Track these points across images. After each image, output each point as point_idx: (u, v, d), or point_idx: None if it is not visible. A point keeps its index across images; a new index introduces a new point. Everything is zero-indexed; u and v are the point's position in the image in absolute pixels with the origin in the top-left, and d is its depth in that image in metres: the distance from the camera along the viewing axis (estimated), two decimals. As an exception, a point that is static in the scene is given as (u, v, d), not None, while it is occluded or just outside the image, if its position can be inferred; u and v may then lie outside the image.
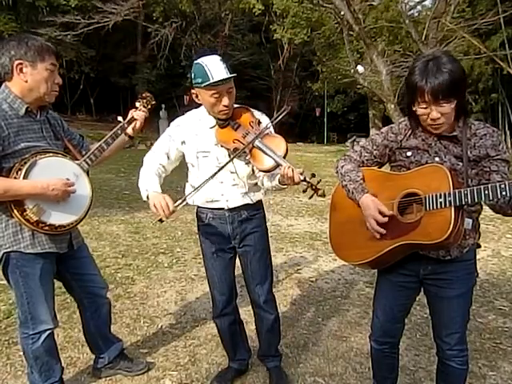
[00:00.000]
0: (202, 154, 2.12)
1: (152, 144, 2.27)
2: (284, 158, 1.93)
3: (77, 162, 2.08)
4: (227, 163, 2.03)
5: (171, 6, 21.69)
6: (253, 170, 2.14)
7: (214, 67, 1.93)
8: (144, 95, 2.43)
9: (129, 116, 2.32)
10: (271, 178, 2.05)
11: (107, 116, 23.12)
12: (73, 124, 18.96)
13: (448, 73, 1.57)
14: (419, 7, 18.56)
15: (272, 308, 2.34)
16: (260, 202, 2.27)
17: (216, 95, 1.97)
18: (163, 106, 22.04)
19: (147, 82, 23.28)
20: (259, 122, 2.08)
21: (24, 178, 1.84)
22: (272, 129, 2.09)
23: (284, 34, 20.43)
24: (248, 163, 2.10)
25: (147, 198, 2.02)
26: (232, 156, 2.02)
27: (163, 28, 20.46)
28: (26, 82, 1.92)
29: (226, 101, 1.99)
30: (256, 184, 2.19)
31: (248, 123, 2.06)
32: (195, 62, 2.00)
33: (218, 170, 2.02)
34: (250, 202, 2.18)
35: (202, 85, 1.95)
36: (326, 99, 24.82)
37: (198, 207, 2.25)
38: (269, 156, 1.94)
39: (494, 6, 13.96)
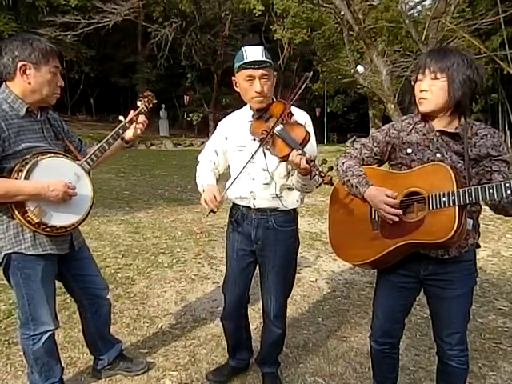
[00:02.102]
0: (238, 149, 2.10)
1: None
2: (301, 145, 1.82)
3: (78, 162, 2.07)
4: (255, 152, 1.96)
5: (171, 6, 21.70)
6: (287, 172, 2.06)
7: (252, 51, 1.96)
8: (145, 94, 2.39)
9: (129, 116, 2.29)
10: (295, 175, 1.98)
11: (107, 116, 23.13)
12: (73, 124, 18.99)
13: (453, 55, 1.65)
14: (419, 7, 18.58)
15: (280, 323, 2.29)
16: (293, 213, 2.16)
17: (249, 78, 1.96)
18: (163, 105, 22.09)
19: (147, 82, 23.31)
20: (291, 114, 1.99)
21: (25, 178, 1.83)
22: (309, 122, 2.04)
23: (284, 34, 20.44)
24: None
25: (203, 191, 2.05)
26: (259, 145, 1.94)
27: (163, 28, 20.44)
28: (29, 83, 1.90)
29: (257, 86, 1.95)
30: (290, 189, 2.10)
31: (279, 114, 1.97)
32: (239, 50, 2.05)
33: (249, 159, 1.98)
34: (280, 207, 2.09)
35: (237, 65, 1.97)
36: (326, 99, 24.83)
37: (233, 203, 2.22)
38: (286, 143, 1.86)
39: (494, 5, 13.96)
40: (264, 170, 2.05)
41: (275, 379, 2.38)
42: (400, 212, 1.68)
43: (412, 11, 17.28)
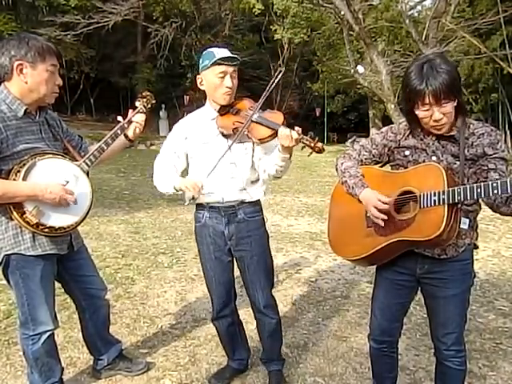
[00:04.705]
0: (202, 146, 2.14)
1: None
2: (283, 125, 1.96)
3: (76, 163, 2.06)
4: (232, 143, 2.05)
5: (171, 6, 21.67)
6: (252, 165, 2.15)
7: (221, 50, 2.12)
8: (144, 94, 2.41)
9: (129, 116, 2.30)
10: (272, 158, 2.07)
11: (107, 116, 23.07)
12: (73, 124, 18.95)
13: (446, 73, 1.60)
14: (419, 7, 18.56)
15: (273, 312, 2.31)
16: (259, 203, 2.24)
17: (220, 75, 2.06)
18: (163, 106, 22.03)
19: (147, 82, 23.26)
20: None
21: (23, 180, 1.82)
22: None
23: (284, 34, 20.44)
24: (247, 154, 2.13)
25: (175, 188, 2.09)
26: (236, 135, 2.03)
27: (163, 28, 20.43)
28: (26, 83, 1.90)
29: (228, 82, 2.07)
30: (255, 181, 2.19)
31: (248, 108, 2.11)
32: (205, 51, 2.15)
33: (227, 149, 2.04)
34: (248, 199, 2.17)
35: (209, 63, 2.06)
36: (325, 99, 24.78)
37: (196, 207, 2.24)
38: (266, 126, 1.99)
39: (494, 5, 13.96)
40: (231, 163, 2.11)
41: (281, 377, 2.39)
42: (385, 217, 1.73)
43: (412, 11, 17.23)
